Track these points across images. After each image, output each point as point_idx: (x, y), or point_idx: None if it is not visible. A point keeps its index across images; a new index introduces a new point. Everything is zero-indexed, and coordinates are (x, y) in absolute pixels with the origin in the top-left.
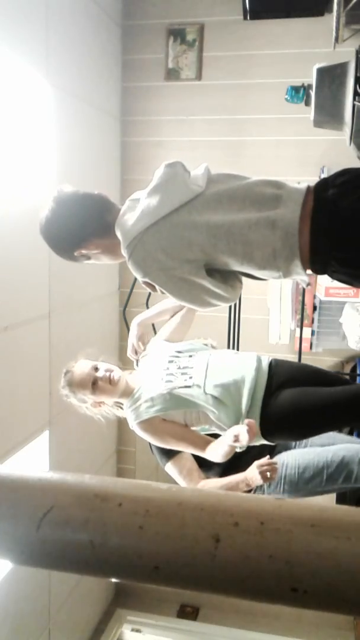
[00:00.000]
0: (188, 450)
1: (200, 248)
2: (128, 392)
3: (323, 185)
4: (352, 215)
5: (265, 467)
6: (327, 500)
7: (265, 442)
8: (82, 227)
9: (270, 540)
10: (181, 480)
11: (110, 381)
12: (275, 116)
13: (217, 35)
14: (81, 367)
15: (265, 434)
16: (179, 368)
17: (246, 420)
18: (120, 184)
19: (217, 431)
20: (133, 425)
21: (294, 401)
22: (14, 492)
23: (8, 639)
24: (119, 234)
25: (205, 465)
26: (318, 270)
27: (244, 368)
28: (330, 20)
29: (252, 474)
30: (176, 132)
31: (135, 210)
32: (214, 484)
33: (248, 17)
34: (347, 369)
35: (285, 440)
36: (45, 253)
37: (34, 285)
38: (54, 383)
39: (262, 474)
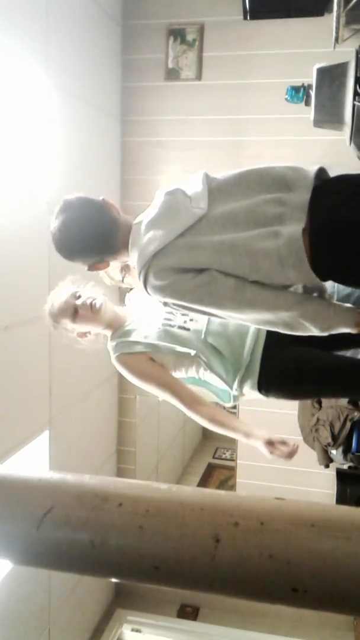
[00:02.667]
0: (170, 400)
1: (206, 266)
2: (117, 325)
3: (319, 194)
4: (349, 224)
5: (277, 452)
6: (327, 500)
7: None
8: (87, 255)
9: (270, 540)
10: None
11: (91, 308)
12: (275, 116)
13: (217, 35)
14: (61, 294)
15: (260, 388)
16: (179, 312)
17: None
18: (120, 184)
19: (207, 380)
20: (114, 357)
21: (296, 362)
22: (14, 492)
23: (8, 639)
24: (135, 263)
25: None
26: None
27: (244, 326)
28: (330, 20)
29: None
30: (176, 132)
31: (143, 239)
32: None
33: (248, 17)
34: None
35: (278, 396)
36: (45, 253)
37: (34, 285)
38: (54, 383)
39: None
